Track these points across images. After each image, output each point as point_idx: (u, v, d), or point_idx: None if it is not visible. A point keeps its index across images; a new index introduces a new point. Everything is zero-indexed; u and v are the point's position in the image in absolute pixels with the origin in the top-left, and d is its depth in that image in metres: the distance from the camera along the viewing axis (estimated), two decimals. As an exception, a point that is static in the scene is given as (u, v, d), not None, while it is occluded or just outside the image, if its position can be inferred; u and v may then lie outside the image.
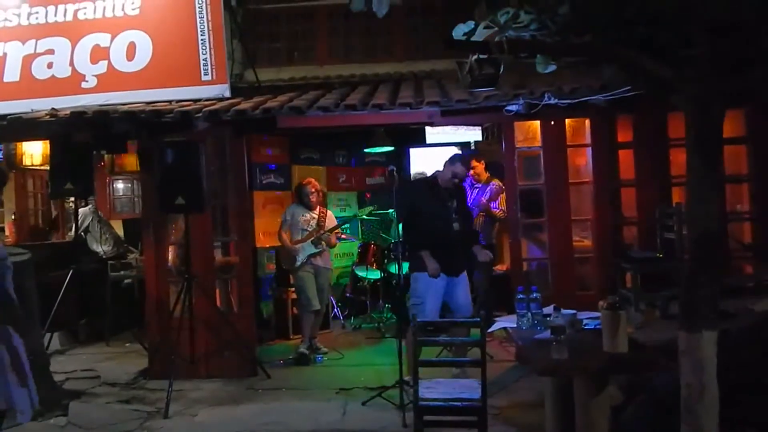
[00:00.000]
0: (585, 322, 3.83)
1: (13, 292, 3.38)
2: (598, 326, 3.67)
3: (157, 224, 5.97)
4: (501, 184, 6.86)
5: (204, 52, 6.06)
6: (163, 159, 5.43)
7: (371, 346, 6.89)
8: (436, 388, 3.76)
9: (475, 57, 3.30)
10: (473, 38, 3.44)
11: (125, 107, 5.80)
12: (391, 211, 7.25)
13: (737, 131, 5.69)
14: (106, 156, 8.68)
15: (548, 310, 3.94)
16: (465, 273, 5.30)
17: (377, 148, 8.20)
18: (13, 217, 7.42)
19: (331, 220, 6.68)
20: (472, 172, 6.93)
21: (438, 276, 5.15)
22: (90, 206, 7.45)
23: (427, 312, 5.05)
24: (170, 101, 6.02)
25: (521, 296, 3.95)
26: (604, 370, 3.18)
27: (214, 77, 6.09)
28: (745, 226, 5.84)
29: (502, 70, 3.58)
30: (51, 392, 5.18)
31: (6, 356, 3.15)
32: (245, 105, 5.60)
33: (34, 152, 7.99)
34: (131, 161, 9.18)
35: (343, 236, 7.52)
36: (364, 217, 7.69)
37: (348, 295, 8.07)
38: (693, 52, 2.86)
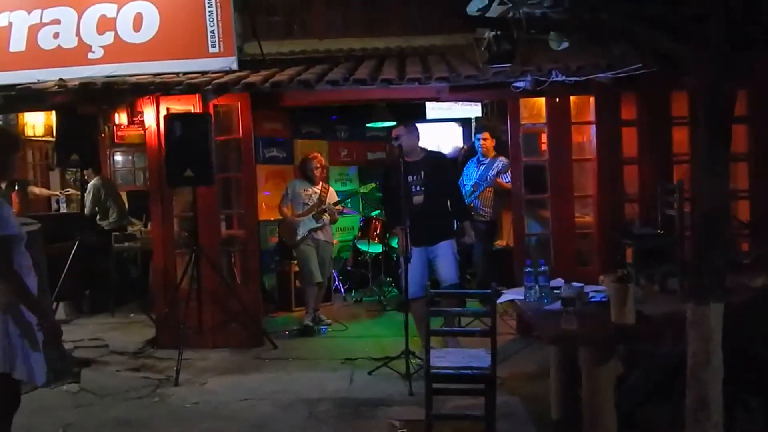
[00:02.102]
0: (591, 295, 3.95)
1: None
2: (603, 299, 3.79)
3: (165, 197, 6.01)
4: (507, 161, 6.92)
5: (211, 24, 6.03)
6: (171, 131, 5.46)
7: (373, 318, 7.01)
8: (446, 357, 3.86)
9: (493, 33, 3.34)
10: (488, 14, 3.50)
11: (133, 79, 5.80)
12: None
13: (738, 110, 5.75)
14: (106, 128, 8.65)
15: (555, 283, 4.05)
16: (446, 244, 5.31)
17: (379, 123, 8.24)
18: (16, 187, 7.42)
19: (332, 197, 6.76)
20: (481, 145, 6.99)
21: (404, 253, 5.22)
22: (96, 178, 7.46)
23: (408, 281, 5.12)
24: (177, 73, 6.00)
25: (529, 269, 4.05)
26: (613, 340, 3.30)
27: (222, 49, 6.07)
28: (743, 204, 5.95)
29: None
30: (62, 360, 5.27)
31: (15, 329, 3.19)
32: (254, 78, 5.62)
33: (36, 123, 7.96)
34: (131, 133, 9.18)
35: (345, 210, 7.59)
36: (365, 192, 7.75)
37: (349, 268, 8.16)
38: (706, 31, 2.92)
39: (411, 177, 5.27)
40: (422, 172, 5.29)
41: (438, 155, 5.74)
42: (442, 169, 5.50)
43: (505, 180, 6.83)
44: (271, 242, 7.86)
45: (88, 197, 7.22)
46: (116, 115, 7.97)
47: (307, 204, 6.57)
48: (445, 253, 5.30)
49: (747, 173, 5.89)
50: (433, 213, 5.26)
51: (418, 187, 5.28)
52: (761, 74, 4.67)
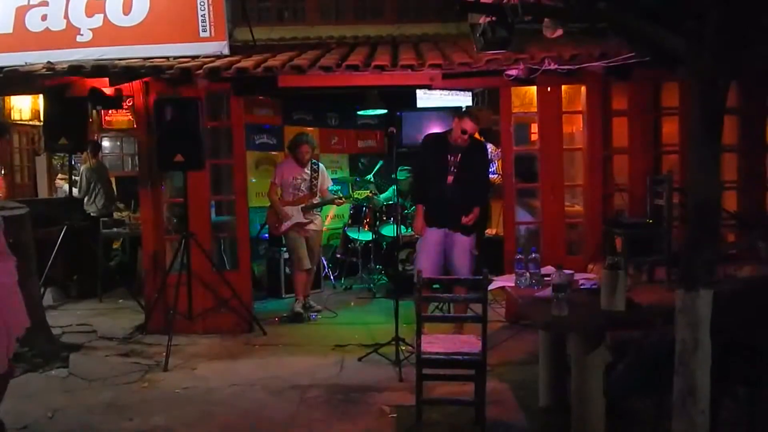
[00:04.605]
0: (581, 282, 3.99)
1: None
2: (593, 286, 3.83)
3: (155, 181, 5.98)
4: (494, 148, 6.93)
5: (202, 8, 5.96)
6: (162, 116, 5.41)
7: (362, 305, 7.00)
8: (437, 342, 3.87)
9: (489, 20, 3.33)
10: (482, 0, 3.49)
11: (123, 62, 5.74)
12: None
13: (728, 102, 5.79)
14: (94, 113, 8.57)
15: (546, 270, 4.08)
16: (466, 238, 5.29)
17: (371, 110, 8.22)
18: (2, 172, 7.35)
19: (323, 177, 6.69)
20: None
21: (419, 233, 5.33)
22: (87, 164, 7.39)
23: (418, 264, 5.17)
24: (168, 57, 5.93)
25: (520, 256, 4.08)
26: (603, 327, 3.32)
27: (213, 34, 6.01)
28: (730, 195, 5.99)
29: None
30: (50, 344, 5.26)
31: None
32: (246, 63, 5.57)
33: (22, 107, 7.88)
34: (119, 119, 9.12)
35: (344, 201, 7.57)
36: (359, 199, 7.75)
37: (338, 256, 8.15)
38: (703, 26, 2.93)
39: (450, 156, 5.29)
40: (460, 155, 5.28)
41: (481, 144, 5.75)
42: (479, 156, 5.47)
43: (491, 173, 6.84)
44: (260, 229, 7.83)
45: (81, 181, 7.17)
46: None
47: (297, 194, 6.51)
48: (462, 247, 5.28)
49: (736, 165, 5.93)
50: (459, 196, 5.23)
51: (452, 168, 5.28)
52: (753, 67, 4.70)
